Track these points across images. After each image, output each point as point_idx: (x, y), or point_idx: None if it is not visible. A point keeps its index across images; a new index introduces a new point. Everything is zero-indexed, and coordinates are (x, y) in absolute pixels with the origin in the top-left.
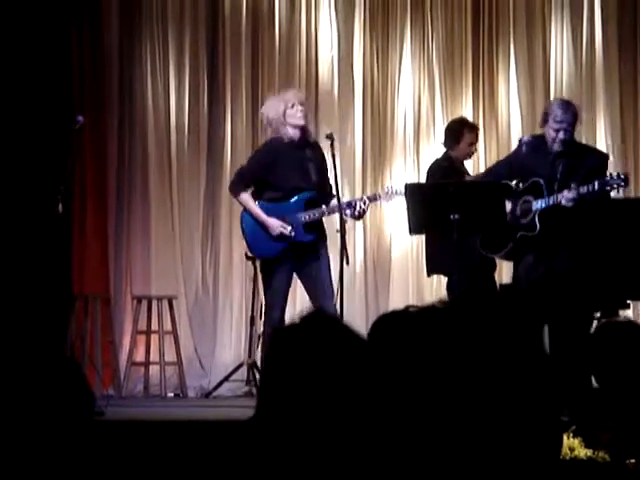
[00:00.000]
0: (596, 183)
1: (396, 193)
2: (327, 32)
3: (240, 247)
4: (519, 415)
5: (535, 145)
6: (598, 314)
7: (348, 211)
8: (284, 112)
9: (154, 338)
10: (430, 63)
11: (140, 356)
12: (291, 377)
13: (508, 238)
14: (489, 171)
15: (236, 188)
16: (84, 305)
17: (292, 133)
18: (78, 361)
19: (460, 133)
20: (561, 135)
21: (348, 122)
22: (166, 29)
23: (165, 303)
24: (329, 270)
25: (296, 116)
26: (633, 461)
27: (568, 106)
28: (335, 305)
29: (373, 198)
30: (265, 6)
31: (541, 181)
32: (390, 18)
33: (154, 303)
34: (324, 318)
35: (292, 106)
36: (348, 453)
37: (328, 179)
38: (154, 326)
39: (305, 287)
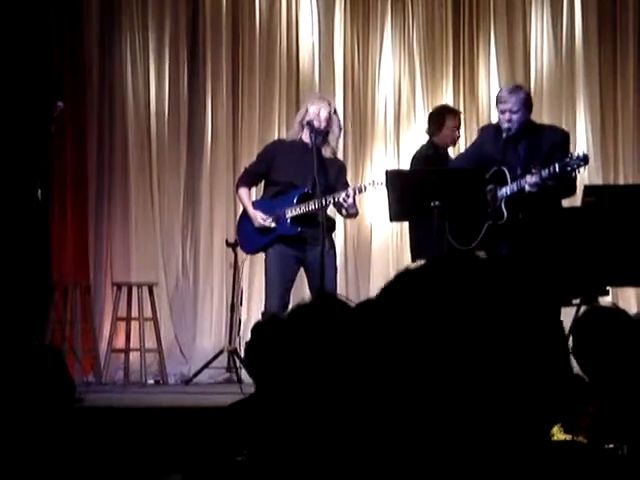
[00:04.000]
0: (556, 165)
1: (381, 184)
2: (308, 19)
3: (221, 234)
4: (510, 398)
5: (494, 131)
6: (577, 301)
7: (344, 211)
8: (305, 111)
9: (134, 325)
10: (411, 50)
11: (120, 343)
12: (272, 367)
13: (477, 229)
14: (463, 156)
15: (237, 184)
16: (64, 292)
17: (304, 137)
18: (58, 348)
19: (442, 119)
20: (506, 116)
21: None
22: (146, 17)
23: (145, 290)
24: (334, 269)
25: (309, 118)
26: (612, 446)
27: (514, 90)
28: None
29: (359, 190)
30: None
31: (504, 169)
32: (371, 5)
33: (134, 290)
34: (313, 306)
35: (314, 109)
36: (340, 432)
37: (335, 191)
38: (134, 313)
39: (308, 282)
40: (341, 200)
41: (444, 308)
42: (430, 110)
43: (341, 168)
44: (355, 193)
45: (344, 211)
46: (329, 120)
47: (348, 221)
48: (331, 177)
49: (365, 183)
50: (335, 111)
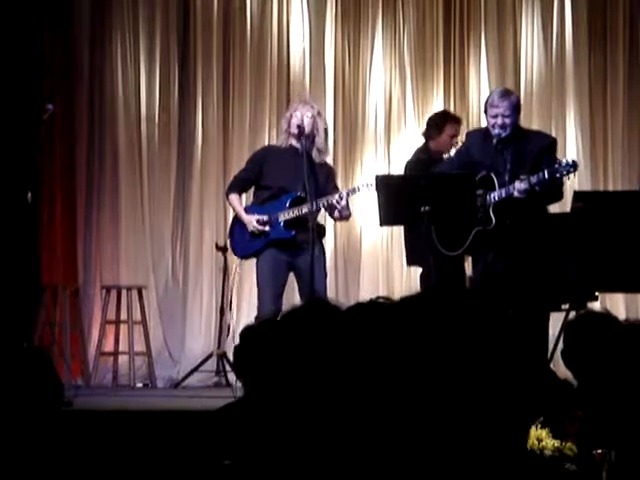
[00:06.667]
0: (545, 172)
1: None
2: (299, 24)
3: (210, 238)
4: (486, 406)
5: (481, 136)
6: (566, 306)
7: (336, 213)
8: (289, 119)
9: (123, 328)
10: (401, 55)
11: (109, 346)
12: (261, 372)
13: (465, 235)
14: (452, 162)
15: (227, 190)
16: (52, 295)
17: (293, 142)
18: (46, 351)
19: (443, 124)
20: (499, 121)
21: None
22: (137, 20)
23: (134, 293)
24: (324, 274)
25: (295, 124)
26: (600, 451)
27: (506, 94)
28: None
29: (352, 191)
30: None
31: (492, 174)
32: (362, 9)
33: (123, 293)
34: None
35: (297, 115)
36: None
37: (326, 194)
38: (123, 316)
39: (298, 287)
40: (334, 202)
41: (430, 325)
42: (422, 114)
43: (330, 172)
44: (348, 195)
45: (337, 213)
46: (313, 123)
47: (338, 226)
48: (321, 181)
49: (359, 184)
50: (319, 113)
